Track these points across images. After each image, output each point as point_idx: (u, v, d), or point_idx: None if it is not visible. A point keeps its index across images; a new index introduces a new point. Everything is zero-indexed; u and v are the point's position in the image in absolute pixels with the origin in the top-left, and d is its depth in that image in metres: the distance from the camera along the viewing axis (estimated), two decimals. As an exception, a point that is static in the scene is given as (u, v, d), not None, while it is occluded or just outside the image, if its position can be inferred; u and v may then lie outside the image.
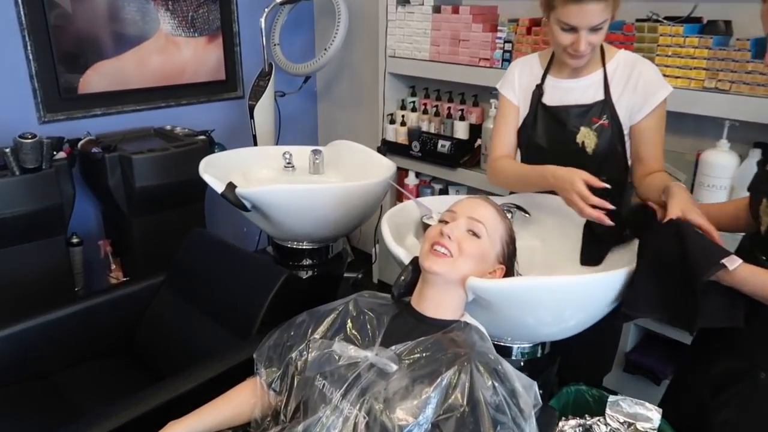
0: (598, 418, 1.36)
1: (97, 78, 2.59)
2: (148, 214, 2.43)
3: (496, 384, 1.02)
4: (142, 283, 1.92)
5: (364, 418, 1.03)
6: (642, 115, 1.44)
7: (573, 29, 1.35)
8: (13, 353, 1.67)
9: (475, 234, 1.16)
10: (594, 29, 1.35)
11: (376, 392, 1.05)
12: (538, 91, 1.53)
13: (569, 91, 1.50)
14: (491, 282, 1.12)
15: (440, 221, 1.21)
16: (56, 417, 1.58)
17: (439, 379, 1.03)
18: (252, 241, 3.08)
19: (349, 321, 1.20)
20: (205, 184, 2.44)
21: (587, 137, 1.47)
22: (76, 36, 2.48)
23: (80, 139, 2.38)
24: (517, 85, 1.58)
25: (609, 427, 1.33)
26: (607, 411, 1.36)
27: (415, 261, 1.24)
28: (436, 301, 1.16)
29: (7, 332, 1.67)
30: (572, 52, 1.39)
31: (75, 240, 2.42)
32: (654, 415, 1.34)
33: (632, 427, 1.34)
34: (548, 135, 1.52)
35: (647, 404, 1.35)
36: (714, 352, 1.32)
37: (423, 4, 2.52)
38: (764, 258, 1.17)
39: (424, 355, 1.08)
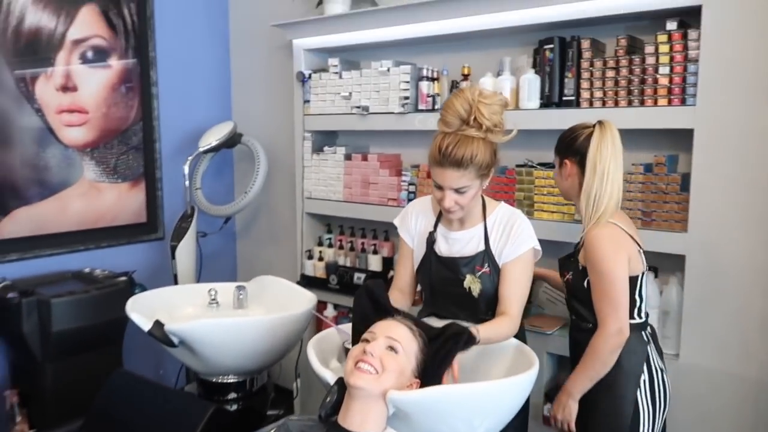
0: None
1: (15, 224, 2.62)
2: (64, 358, 2.38)
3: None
4: (57, 429, 1.87)
5: None
6: (506, 260, 1.67)
7: (441, 187, 1.60)
8: None
9: (393, 349, 1.32)
10: (458, 191, 1.58)
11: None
12: (431, 238, 1.75)
13: (456, 242, 1.73)
14: (407, 393, 1.27)
15: (362, 340, 1.36)
16: None
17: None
18: (170, 382, 3.02)
19: (281, 444, 1.29)
20: (124, 326, 2.48)
21: (472, 283, 1.69)
22: (-4, 184, 2.55)
23: (-5, 285, 2.37)
24: (413, 229, 1.80)
25: None
26: None
27: (339, 381, 1.37)
28: (361, 416, 1.28)
29: None
30: (444, 208, 1.63)
31: (-21, 391, 2.31)
32: None
33: None
34: (441, 279, 1.75)
35: None
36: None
37: (335, 152, 2.83)
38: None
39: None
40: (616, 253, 1.63)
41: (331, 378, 1.39)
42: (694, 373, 1.94)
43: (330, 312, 2.90)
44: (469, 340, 1.42)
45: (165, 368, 3.08)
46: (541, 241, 1.71)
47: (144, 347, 2.81)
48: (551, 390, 2.18)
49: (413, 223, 1.81)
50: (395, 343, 1.33)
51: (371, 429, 1.28)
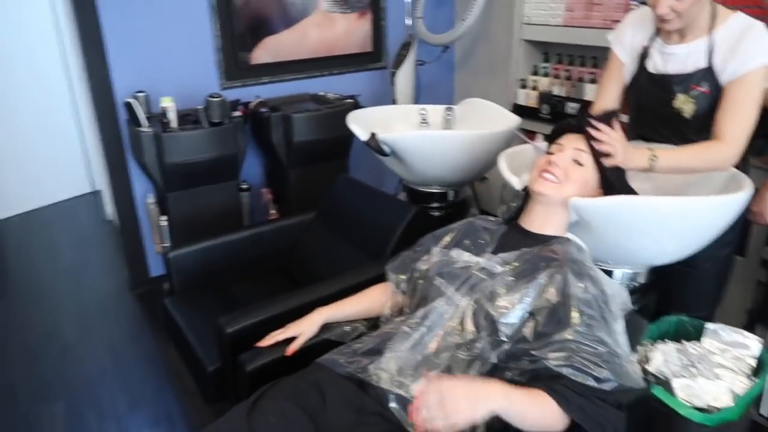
0: (695, 342, 1.45)
1: (265, 52, 3.02)
2: (303, 165, 2.83)
3: (588, 284, 1.19)
4: (298, 217, 2.29)
5: (472, 306, 1.25)
6: (730, 78, 1.43)
7: None
8: (202, 264, 2.11)
9: (579, 163, 1.32)
10: None
11: (483, 287, 1.26)
12: (644, 53, 1.59)
13: (672, 57, 1.54)
14: (590, 200, 1.28)
15: (548, 153, 1.38)
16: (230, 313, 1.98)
17: (537, 278, 1.21)
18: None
19: (466, 236, 1.43)
20: (350, 141, 2.80)
21: (684, 104, 1.52)
22: (251, 16, 2.92)
23: (251, 102, 2.83)
24: (628, 43, 1.64)
25: (704, 350, 1.41)
26: (705, 338, 1.45)
27: (525, 189, 1.43)
28: (541, 219, 1.34)
29: (195, 248, 2.10)
30: (657, 15, 1.43)
31: (244, 186, 2.88)
32: (753, 343, 1.40)
33: (729, 354, 1.42)
34: (649, 98, 1.61)
35: (746, 333, 1.42)
36: None
37: (558, -29, 2.62)
38: None
39: (526, 260, 1.28)
40: None
41: (517, 183, 1.46)
42: None
43: (540, 143, 2.88)
44: (608, 116, 1.35)
45: (384, 185, 3.45)
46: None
47: (368, 164, 3.16)
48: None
49: (629, 36, 1.65)
50: (581, 154, 1.32)
51: (551, 231, 1.33)
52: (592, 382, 1.08)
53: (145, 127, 2.46)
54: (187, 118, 2.60)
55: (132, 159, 2.70)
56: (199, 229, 2.60)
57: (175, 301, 2.01)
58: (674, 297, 1.63)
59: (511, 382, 1.15)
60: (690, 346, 1.42)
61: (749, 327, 1.72)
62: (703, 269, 1.59)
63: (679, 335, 1.54)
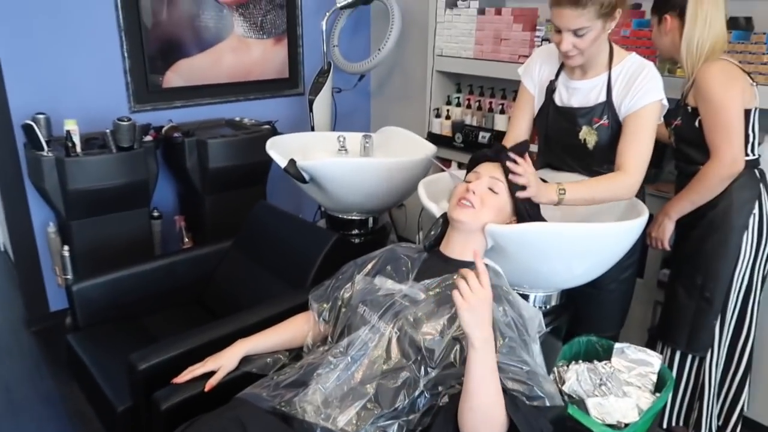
0: (605, 362, 1.54)
1: (178, 75, 2.94)
2: (218, 191, 2.75)
3: (506, 308, 1.23)
4: (214, 245, 2.22)
5: (396, 333, 1.26)
6: (627, 113, 1.57)
7: (559, 30, 1.52)
8: (110, 297, 1.99)
9: (494, 191, 1.38)
10: (576, 34, 1.49)
11: (407, 314, 1.28)
12: (551, 87, 1.70)
13: (576, 91, 1.66)
14: (505, 226, 1.34)
15: (466, 180, 1.43)
16: (143, 348, 1.88)
17: (458, 304, 1.24)
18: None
19: (388, 263, 1.44)
20: (268, 168, 2.76)
21: (588, 135, 1.64)
22: (163, 38, 2.84)
23: (163, 126, 2.73)
24: (536, 76, 1.76)
25: (613, 369, 1.51)
26: (613, 357, 1.54)
27: (444, 216, 1.47)
28: (460, 246, 1.38)
29: (102, 279, 1.98)
30: (561, 52, 1.56)
31: (156, 214, 2.76)
32: (655, 360, 1.51)
33: (634, 371, 1.52)
34: (556, 129, 1.72)
35: (649, 351, 1.52)
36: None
37: (469, 7, 2.75)
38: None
39: (447, 287, 1.31)
40: (729, 82, 1.60)
41: (436, 210, 1.50)
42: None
43: (455, 170, 2.98)
44: (522, 146, 1.43)
45: (303, 212, 3.42)
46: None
47: (286, 190, 3.13)
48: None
49: (537, 70, 1.76)
50: (497, 183, 1.38)
51: (470, 257, 1.37)
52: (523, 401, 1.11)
53: (46, 151, 2.31)
54: (93, 142, 2.47)
55: (30, 185, 2.52)
56: (107, 259, 2.46)
57: (79, 337, 1.88)
58: (584, 318, 1.72)
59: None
60: (600, 366, 1.51)
61: (650, 345, 1.84)
62: (608, 290, 1.70)
63: (589, 355, 1.63)
